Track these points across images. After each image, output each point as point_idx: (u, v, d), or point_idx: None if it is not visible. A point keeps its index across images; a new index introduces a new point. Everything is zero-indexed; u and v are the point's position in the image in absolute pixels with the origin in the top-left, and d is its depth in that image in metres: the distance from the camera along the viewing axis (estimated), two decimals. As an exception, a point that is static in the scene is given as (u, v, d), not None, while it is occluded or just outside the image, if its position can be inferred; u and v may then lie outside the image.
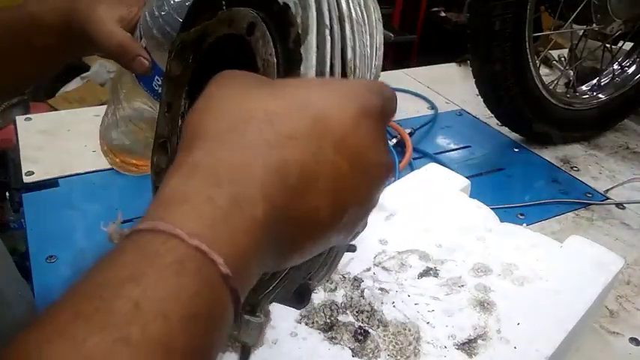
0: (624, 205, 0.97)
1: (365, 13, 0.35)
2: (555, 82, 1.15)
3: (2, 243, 0.42)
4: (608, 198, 0.99)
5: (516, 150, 1.13)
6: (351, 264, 0.60)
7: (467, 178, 0.76)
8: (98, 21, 0.44)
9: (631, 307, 0.74)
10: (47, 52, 0.49)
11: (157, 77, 0.47)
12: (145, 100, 0.51)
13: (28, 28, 0.47)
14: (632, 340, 0.69)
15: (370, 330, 0.52)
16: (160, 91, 0.46)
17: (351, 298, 0.55)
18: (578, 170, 1.07)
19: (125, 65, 0.46)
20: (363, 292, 0.56)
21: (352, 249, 0.41)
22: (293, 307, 0.39)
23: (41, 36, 0.47)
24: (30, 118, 1.06)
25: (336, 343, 0.51)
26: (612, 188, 1.01)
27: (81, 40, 0.47)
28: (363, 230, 0.33)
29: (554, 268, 0.60)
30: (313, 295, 0.55)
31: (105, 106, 0.62)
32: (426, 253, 0.62)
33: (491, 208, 0.70)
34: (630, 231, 0.90)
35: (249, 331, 0.33)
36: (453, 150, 1.12)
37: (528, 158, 1.11)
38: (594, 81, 1.22)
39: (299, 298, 0.37)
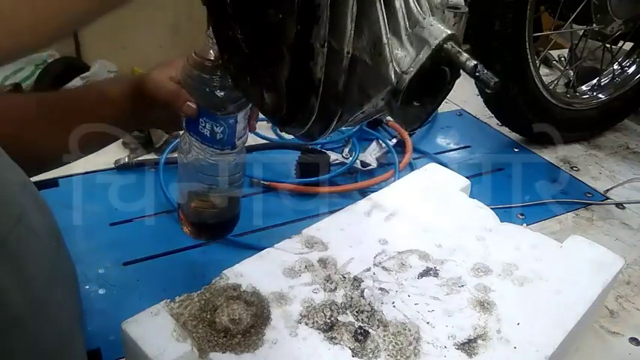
0: (624, 205, 0.97)
1: None
2: (555, 82, 1.15)
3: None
4: (608, 198, 0.99)
5: (516, 150, 1.14)
6: (351, 264, 0.60)
7: (467, 178, 0.76)
8: (153, 80, 0.56)
9: (631, 307, 0.74)
10: (112, 122, 0.58)
11: (201, 120, 0.54)
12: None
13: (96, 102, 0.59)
14: (632, 340, 0.69)
15: (370, 330, 0.52)
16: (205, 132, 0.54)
17: (351, 298, 0.55)
18: (578, 170, 1.08)
19: (177, 108, 0.54)
20: (363, 292, 0.56)
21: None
22: None
23: (106, 107, 0.58)
24: (30, 118, 1.06)
25: (336, 343, 0.51)
26: (612, 188, 1.01)
27: (143, 103, 0.57)
28: None
29: (554, 268, 0.60)
30: (313, 295, 0.55)
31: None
32: (426, 253, 0.62)
33: (492, 208, 0.70)
34: (630, 231, 0.90)
35: None
36: (453, 150, 1.12)
37: (528, 158, 1.11)
38: (594, 81, 1.22)
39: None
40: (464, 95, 1.29)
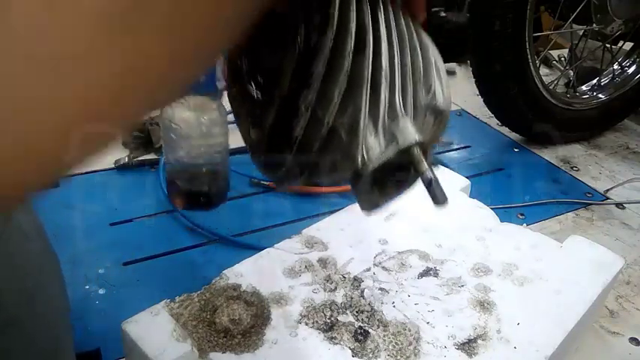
0: (624, 205, 0.97)
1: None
2: (555, 82, 1.15)
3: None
4: (608, 198, 0.99)
5: (516, 150, 1.14)
6: (351, 264, 0.60)
7: (467, 178, 0.76)
8: None
9: (631, 307, 0.74)
10: None
11: None
12: None
13: None
14: (632, 340, 0.69)
15: (370, 330, 0.52)
16: None
17: (351, 298, 0.55)
18: (578, 170, 1.08)
19: None
20: (363, 292, 0.56)
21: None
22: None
23: None
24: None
25: (336, 343, 0.51)
26: (612, 188, 1.01)
27: None
28: None
29: (554, 268, 0.60)
30: (313, 295, 0.55)
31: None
32: (426, 253, 0.62)
33: (492, 208, 0.70)
34: (630, 231, 0.91)
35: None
36: (453, 150, 1.12)
37: (528, 158, 1.11)
38: (594, 81, 1.22)
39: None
40: (464, 95, 1.30)
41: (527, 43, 0.99)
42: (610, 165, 1.10)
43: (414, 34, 0.36)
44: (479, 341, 0.52)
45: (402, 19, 0.36)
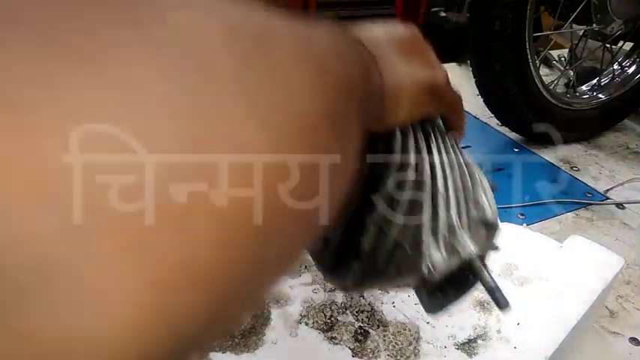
0: (624, 205, 0.97)
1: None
2: (555, 82, 1.15)
3: None
4: (608, 198, 0.99)
5: (516, 150, 1.14)
6: (351, 264, 0.60)
7: (467, 178, 0.76)
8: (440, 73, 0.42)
9: (631, 307, 0.75)
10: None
11: None
12: None
13: None
14: (632, 339, 0.69)
15: (370, 330, 0.52)
16: None
17: (351, 298, 0.55)
18: (578, 170, 1.08)
19: (459, 122, 0.47)
20: (363, 292, 0.57)
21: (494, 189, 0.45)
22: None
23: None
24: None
25: (336, 343, 0.51)
26: (612, 188, 1.01)
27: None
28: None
29: (554, 268, 0.60)
30: (313, 295, 0.55)
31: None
32: (426, 253, 0.62)
33: (491, 208, 0.70)
34: (630, 231, 0.91)
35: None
36: (453, 150, 1.12)
37: (528, 158, 1.11)
38: (594, 81, 1.22)
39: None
40: (464, 95, 1.28)
41: (527, 43, 0.99)
42: (610, 165, 1.11)
43: (460, 155, 0.41)
44: (479, 341, 0.52)
45: (449, 142, 0.41)
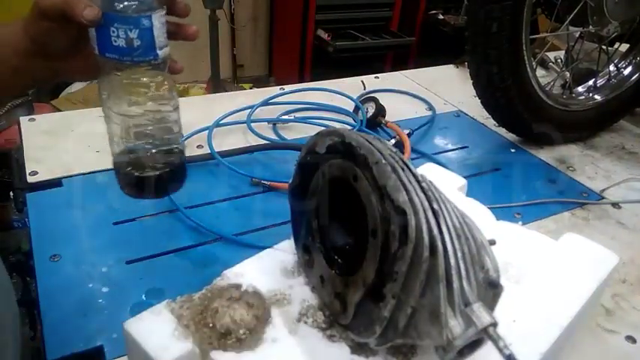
0: (620, 204, 0.98)
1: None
2: (552, 83, 1.16)
3: None
4: (603, 198, 1.00)
5: (513, 150, 1.15)
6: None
7: (464, 178, 0.77)
8: None
9: (627, 305, 0.75)
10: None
11: (112, 29, 0.47)
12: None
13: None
14: (629, 337, 0.70)
15: (369, 328, 0.53)
16: (119, 43, 0.48)
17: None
18: (574, 170, 1.08)
19: (78, 15, 0.47)
20: (361, 290, 0.57)
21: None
22: None
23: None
24: (34, 119, 1.07)
25: (336, 342, 0.51)
26: (608, 188, 1.02)
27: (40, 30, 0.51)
28: None
29: (550, 265, 0.61)
30: (312, 295, 0.56)
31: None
32: (423, 253, 0.63)
33: (489, 208, 0.71)
34: (626, 230, 0.91)
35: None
36: (451, 150, 1.13)
37: (525, 158, 1.12)
38: (590, 82, 1.23)
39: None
40: (462, 96, 1.31)
41: (524, 45, 1.00)
42: (606, 165, 1.11)
43: (464, 223, 0.44)
44: (476, 338, 0.53)
45: (455, 213, 0.44)
